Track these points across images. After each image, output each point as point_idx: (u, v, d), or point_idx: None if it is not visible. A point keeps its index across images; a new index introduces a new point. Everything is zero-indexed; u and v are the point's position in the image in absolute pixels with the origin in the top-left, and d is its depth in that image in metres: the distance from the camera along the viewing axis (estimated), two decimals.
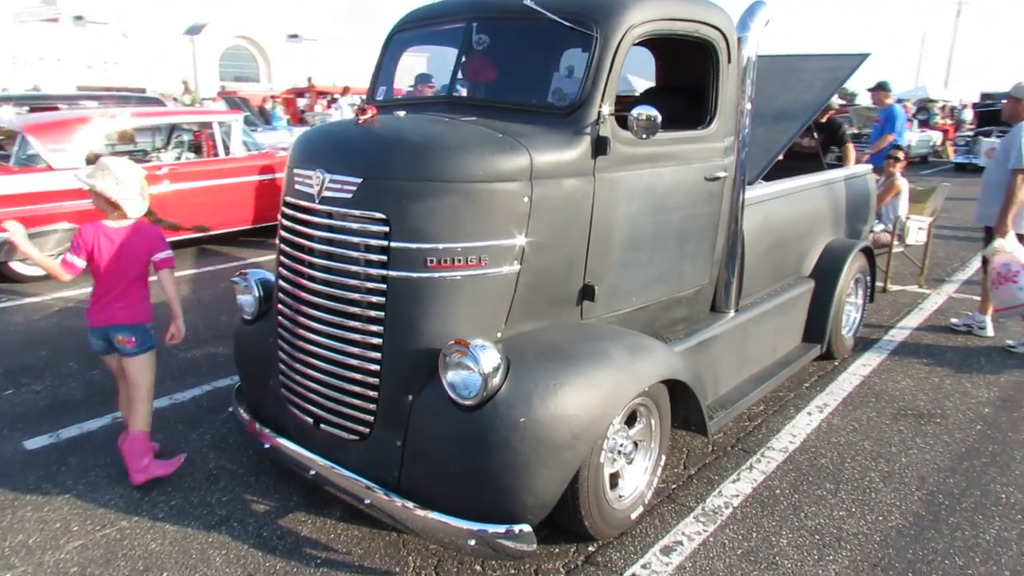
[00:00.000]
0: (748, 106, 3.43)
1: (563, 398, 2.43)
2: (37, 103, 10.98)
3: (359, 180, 2.56)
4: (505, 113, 2.91)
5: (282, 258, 2.94)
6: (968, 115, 24.95)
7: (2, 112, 10.38)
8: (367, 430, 2.68)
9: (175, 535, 2.90)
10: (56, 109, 10.20)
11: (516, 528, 2.41)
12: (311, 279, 2.76)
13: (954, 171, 17.69)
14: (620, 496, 2.85)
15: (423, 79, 4.95)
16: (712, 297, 3.64)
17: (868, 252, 4.88)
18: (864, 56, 5.27)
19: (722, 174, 3.31)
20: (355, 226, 2.59)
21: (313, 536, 2.88)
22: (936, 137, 21.64)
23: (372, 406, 2.65)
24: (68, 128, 6.86)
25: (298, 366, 2.87)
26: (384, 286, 2.56)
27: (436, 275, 2.54)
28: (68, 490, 3.24)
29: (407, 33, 3.45)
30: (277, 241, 3.02)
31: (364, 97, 3.70)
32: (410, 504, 2.51)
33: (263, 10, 57.32)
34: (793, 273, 4.40)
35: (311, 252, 2.76)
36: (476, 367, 2.36)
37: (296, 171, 2.81)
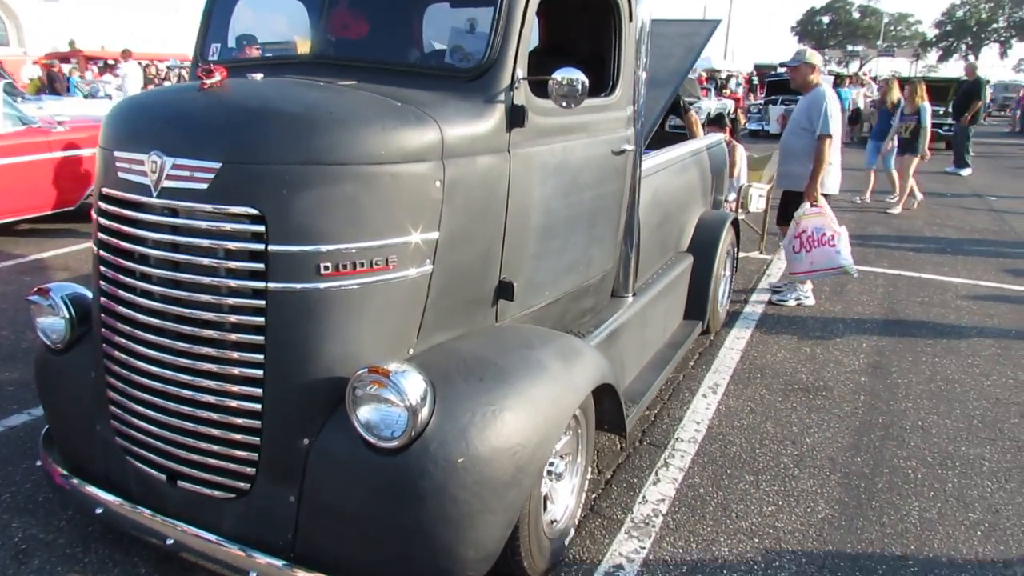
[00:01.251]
0: (643, 74, 3.13)
1: (504, 426, 1.99)
2: None
3: (217, 165, 1.92)
4: (392, 76, 2.37)
5: (103, 269, 2.22)
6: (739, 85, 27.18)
7: None
8: (247, 485, 2.08)
9: None
10: None
11: None
12: (151, 296, 2.08)
13: (749, 137, 19.06)
14: (553, 521, 2.48)
15: (247, 40, 4.18)
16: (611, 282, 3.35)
17: (735, 223, 4.85)
18: (716, 23, 5.22)
19: (628, 147, 2.99)
20: (214, 226, 1.96)
21: None
22: (730, 105, 23.29)
23: (253, 455, 2.05)
24: None
25: (141, 408, 2.18)
26: (262, 303, 1.96)
27: (333, 285, 1.98)
28: None
29: None
30: (94, 247, 2.29)
31: (188, 62, 2.96)
32: (314, 575, 1.97)
33: None
34: (673, 249, 4.24)
35: (147, 261, 2.08)
36: (401, 400, 1.86)
37: (118, 154, 2.10)
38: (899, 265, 6.54)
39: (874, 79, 26.57)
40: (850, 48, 67.86)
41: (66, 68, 19.94)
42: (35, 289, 2.54)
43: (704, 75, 24.69)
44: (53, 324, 2.50)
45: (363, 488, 1.95)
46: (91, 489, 2.36)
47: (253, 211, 1.92)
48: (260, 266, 1.94)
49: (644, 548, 2.60)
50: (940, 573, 2.49)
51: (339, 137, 1.96)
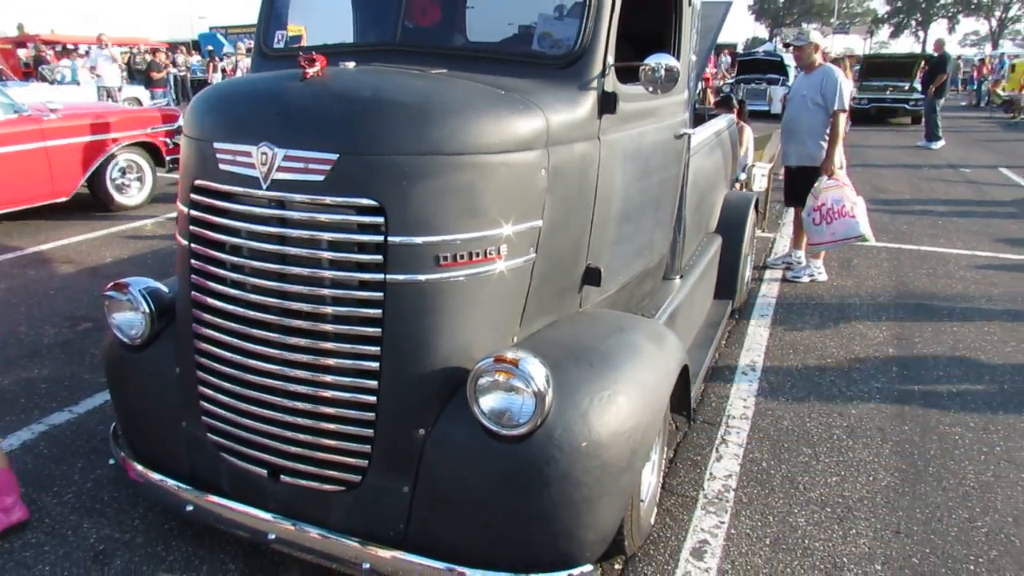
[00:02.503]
0: (693, 57, 3.16)
1: (619, 410, 2.03)
2: None
3: (333, 157, 1.90)
4: (481, 63, 2.36)
5: (196, 263, 2.19)
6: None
7: None
8: (358, 478, 2.08)
9: None
10: None
11: (576, 571, 2.00)
12: (255, 290, 2.06)
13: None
14: (641, 500, 2.53)
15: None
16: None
17: (756, 204, 4.92)
18: (729, 4, 5.25)
19: (686, 130, 3.02)
20: (331, 218, 1.94)
21: None
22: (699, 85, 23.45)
23: (366, 447, 2.05)
24: None
25: (241, 404, 2.16)
26: (380, 295, 1.95)
27: (451, 275, 1.98)
28: None
29: None
30: (182, 240, 2.25)
31: (138, 50, 2.87)
32: (437, 563, 1.99)
33: None
34: (705, 230, 4.30)
35: (252, 254, 2.05)
36: (529, 386, 1.87)
37: (219, 146, 2.05)
38: (897, 239, 6.71)
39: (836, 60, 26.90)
40: (805, 26, 68.62)
41: (21, 53, 19.26)
42: (111, 284, 2.48)
43: None
44: (132, 320, 2.45)
45: (484, 476, 1.97)
46: (180, 486, 2.34)
47: (373, 203, 1.90)
48: (379, 258, 1.93)
49: (724, 523, 2.67)
50: (1009, 533, 2.61)
51: (457, 127, 1.95)
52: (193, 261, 2.20)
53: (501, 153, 2.00)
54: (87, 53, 15.87)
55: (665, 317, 3.08)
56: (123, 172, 7.43)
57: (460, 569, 1.97)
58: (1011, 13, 62.08)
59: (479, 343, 2.05)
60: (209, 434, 2.28)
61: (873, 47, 67.48)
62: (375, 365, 1.99)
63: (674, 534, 2.61)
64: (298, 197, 1.94)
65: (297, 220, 1.97)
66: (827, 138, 5.03)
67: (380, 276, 1.94)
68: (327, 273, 1.97)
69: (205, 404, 2.26)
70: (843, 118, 4.97)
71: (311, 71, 2.04)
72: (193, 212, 2.17)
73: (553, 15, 2.47)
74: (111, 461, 2.68)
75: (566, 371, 2.05)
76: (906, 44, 66.20)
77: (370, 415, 2.03)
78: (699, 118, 5.37)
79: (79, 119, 6.68)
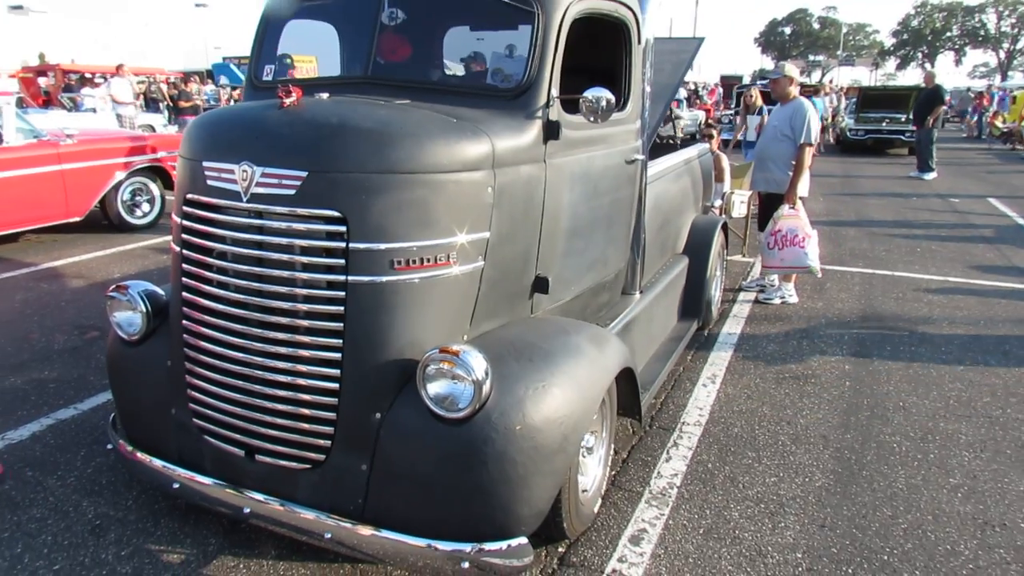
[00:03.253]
0: (648, 88, 3.46)
1: (552, 399, 2.30)
2: None
3: (303, 174, 2.21)
4: (439, 95, 2.67)
5: (187, 267, 2.49)
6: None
7: None
8: (322, 457, 2.36)
9: None
10: None
11: (514, 542, 2.25)
12: (237, 290, 2.36)
13: (722, 146, 19.59)
14: (584, 490, 2.78)
15: (288, 60, 4.42)
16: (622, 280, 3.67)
17: (724, 227, 5.21)
18: (701, 40, 5.59)
19: (638, 156, 3.32)
20: (300, 227, 2.24)
21: None
22: (701, 116, 23.88)
23: (329, 429, 2.33)
24: None
25: (223, 392, 2.45)
26: (342, 294, 2.24)
27: (403, 277, 2.27)
28: None
29: (299, 4, 3.05)
30: (175, 247, 2.56)
31: (154, 79, 3.21)
32: (390, 533, 2.25)
33: None
34: (672, 251, 4.58)
35: (234, 259, 2.35)
36: (469, 375, 2.15)
37: (208, 164, 2.37)
38: (873, 264, 6.96)
39: (841, 90, 27.36)
40: (812, 58, 69.59)
41: (42, 82, 19.98)
42: (113, 286, 2.79)
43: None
44: (130, 318, 2.76)
45: (431, 455, 2.24)
46: (168, 466, 2.62)
47: (336, 213, 2.20)
48: (341, 261, 2.22)
49: (663, 515, 2.91)
50: (927, 529, 2.84)
51: (411, 149, 2.26)
52: (184, 265, 2.50)
53: (451, 172, 2.31)
54: (104, 82, 16.48)
55: (619, 328, 3.35)
56: (133, 194, 7.82)
57: (407, 539, 2.22)
58: (1020, 45, 62.60)
59: (431, 339, 2.33)
60: (194, 419, 2.56)
61: (880, 79, 68.12)
62: (338, 356, 2.28)
63: (616, 523, 2.86)
64: (273, 208, 2.25)
65: (272, 228, 2.27)
66: (788, 168, 5.33)
67: (343, 277, 2.23)
68: (297, 274, 2.26)
69: (191, 392, 2.55)
70: (809, 151, 5.26)
71: (288, 101, 2.35)
72: (185, 222, 2.47)
73: (504, 53, 2.79)
74: (109, 447, 2.96)
75: (507, 364, 2.33)
76: (913, 76, 66.76)
77: (333, 400, 2.31)
78: (670, 147, 5.71)
79: (93, 144, 7.09)
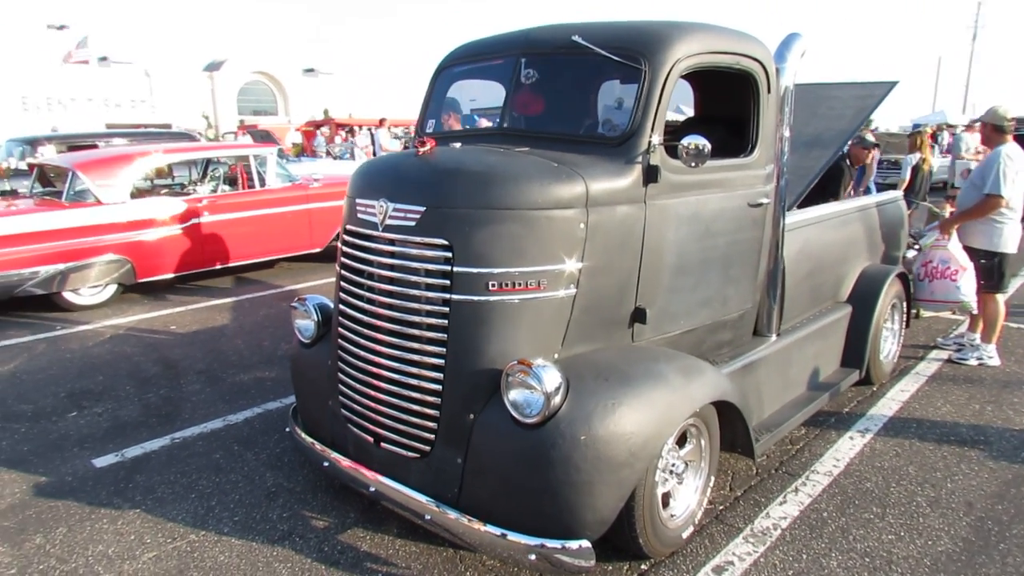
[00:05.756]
0: (787, 134, 3.53)
1: (621, 417, 2.52)
2: (75, 142, 11.34)
3: (422, 209, 2.69)
4: (557, 144, 3.04)
5: (343, 283, 3.07)
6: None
7: (45, 151, 10.77)
8: (428, 448, 2.78)
9: (241, 549, 3.00)
10: (95, 147, 10.53)
11: (575, 544, 2.49)
12: (374, 303, 2.88)
13: None
14: (672, 515, 2.92)
15: (451, 106, 5.07)
16: (755, 321, 3.72)
17: (903, 278, 4.93)
18: (893, 84, 5.36)
19: (765, 200, 3.41)
20: (418, 252, 2.71)
21: (373, 551, 2.97)
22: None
23: (433, 425, 2.75)
24: (116, 164, 7.12)
25: (360, 387, 2.98)
26: (447, 309, 2.67)
27: (497, 298, 2.65)
28: (138, 505, 3.37)
29: (455, 68, 3.61)
30: (337, 267, 3.16)
31: (409, 129, 3.84)
32: (471, 519, 2.60)
33: (279, 46, 58.27)
34: (831, 298, 4.47)
35: (374, 277, 2.88)
36: (539, 386, 2.46)
37: (359, 200, 2.95)
38: None
39: None
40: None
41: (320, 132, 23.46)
42: (296, 298, 3.48)
43: (930, 130, 23.14)
44: (306, 325, 3.42)
45: (509, 454, 2.56)
46: (320, 447, 3.20)
47: (444, 241, 2.65)
48: (446, 282, 2.66)
49: (756, 552, 2.94)
50: None
51: (509, 189, 2.65)
52: (342, 283, 3.09)
53: (543, 209, 2.65)
54: (359, 132, 19.07)
55: (739, 365, 3.42)
56: None
57: (486, 527, 2.55)
58: None
59: (522, 353, 2.67)
60: (342, 409, 3.12)
61: None
62: (442, 362, 2.70)
63: (706, 552, 2.94)
64: (400, 236, 2.75)
65: (399, 253, 2.77)
66: (985, 220, 4.92)
67: (447, 295, 2.66)
68: (415, 292, 2.73)
69: (340, 386, 3.11)
70: (992, 202, 4.83)
71: (422, 150, 2.87)
72: (344, 247, 3.07)
73: (614, 105, 3.09)
74: (286, 429, 3.64)
75: (584, 381, 2.60)
76: None
77: (437, 400, 2.73)
78: (832, 193, 5.52)
79: (335, 187, 8.39)
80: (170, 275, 7.46)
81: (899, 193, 5.74)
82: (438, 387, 2.72)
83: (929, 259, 5.12)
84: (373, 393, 2.92)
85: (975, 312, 5.28)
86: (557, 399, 2.50)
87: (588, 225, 2.73)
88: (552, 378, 2.48)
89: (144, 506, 3.35)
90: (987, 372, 5.06)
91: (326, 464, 3.16)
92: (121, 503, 3.39)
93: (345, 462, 3.06)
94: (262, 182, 8.15)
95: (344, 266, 3.06)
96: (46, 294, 6.67)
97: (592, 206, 2.73)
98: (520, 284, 2.66)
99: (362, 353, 2.95)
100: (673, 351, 3.02)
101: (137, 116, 31.81)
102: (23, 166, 10.78)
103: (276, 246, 8.22)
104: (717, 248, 3.24)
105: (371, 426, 2.96)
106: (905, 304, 5.04)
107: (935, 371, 5.07)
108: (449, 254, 2.65)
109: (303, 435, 3.34)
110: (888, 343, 4.90)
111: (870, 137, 6.92)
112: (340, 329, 3.09)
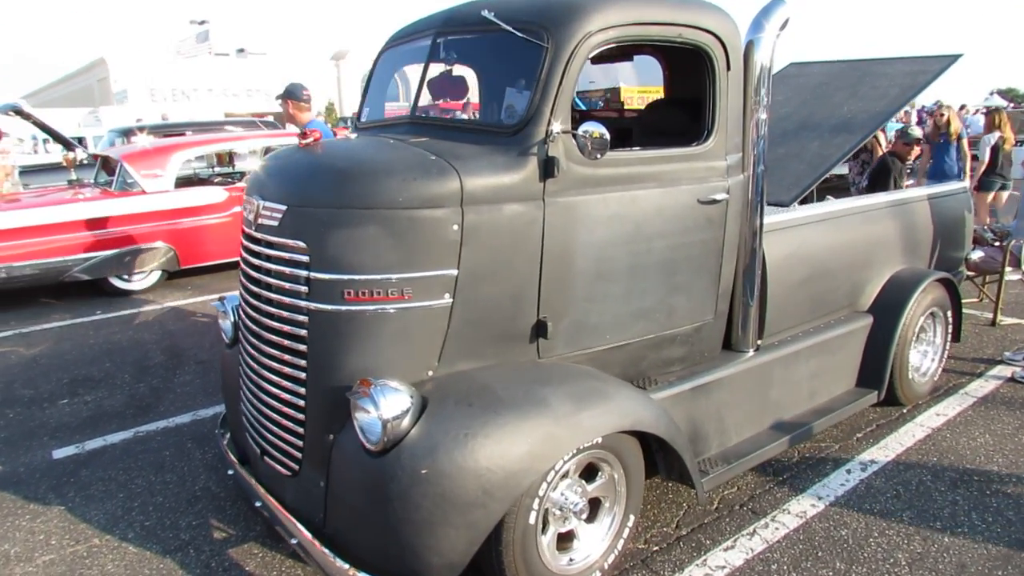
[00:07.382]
0: (763, 117, 3.03)
1: (475, 450, 2.19)
2: (167, 130, 11.89)
3: (283, 207, 2.45)
4: (457, 133, 2.71)
5: (240, 285, 2.89)
6: None
7: (138, 140, 11.35)
8: (296, 467, 2.56)
9: (132, 558, 2.91)
10: (184, 135, 10.98)
11: None
12: (251, 308, 2.68)
13: None
14: (571, 560, 2.55)
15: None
16: (724, 334, 3.24)
17: (948, 283, 4.21)
18: (955, 57, 4.60)
19: (721, 196, 2.92)
20: (277, 254, 2.48)
21: (257, 572, 2.79)
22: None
23: (300, 442, 2.52)
24: (159, 155, 7.33)
25: (248, 396, 2.80)
26: (306, 318, 2.42)
27: (355, 308, 2.37)
28: (67, 502, 3.36)
29: (393, 51, 3.33)
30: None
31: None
32: (327, 552, 2.34)
33: None
34: (844, 308, 3.86)
35: (252, 281, 2.68)
36: (375, 411, 2.17)
37: (246, 197, 2.75)
38: None
39: None
40: None
41: None
42: (217, 297, 3.34)
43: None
44: (225, 325, 3.27)
45: (357, 481, 2.30)
46: (229, 455, 3.05)
47: (302, 244, 2.39)
48: (305, 288, 2.41)
49: None
50: None
51: (366, 186, 2.36)
52: (240, 284, 2.91)
53: (406, 209, 2.34)
54: None
55: (689, 387, 2.98)
56: None
57: (336, 561, 2.29)
58: None
59: (386, 369, 2.38)
60: (242, 417, 2.95)
61: None
62: (304, 375, 2.46)
63: None
64: (264, 236, 2.52)
65: (264, 254, 2.55)
66: None
67: (306, 303, 2.41)
68: (279, 297, 2.50)
69: (240, 394, 2.94)
70: None
71: (304, 143, 2.63)
72: (241, 248, 2.88)
73: (518, 89, 2.70)
74: (217, 431, 3.53)
75: (443, 406, 2.29)
76: None
77: (301, 415, 2.50)
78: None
79: None
80: (213, 262, 7.64)
81: (963, 184, 4.94)
82: (302, 403, 2.49)
83: None
84: (256, 403, 2.73)
85: None
86: (404, 424, 2.20)
87: (464, 226, 2.39)
88: (392, 402, 2.19)
89: (70, 504, 3.34)
90: None
91: (231, 472, 3.01)
92: (52, 499, 3.39)
93: (242, 471, 2.89)
94: None
95: (240, 266, 2.88)
96: (93, 280, 6.97)
97: (469, 204, 2.39)
98: (379, 292, 2.37)
99: (248, 361, 2.76)
100: (577, 371, 2.63)
101: (254, 105, 33.36)
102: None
103: None
104: (653, 252, 2.80)
105: (257, 437, 2.78)
106: (951, 313, 4.31)
107: (989, 392, 4.32)
108: (306, 258, 2.39)
109: (223, 440, 3.21)
110: (926, 359, 4.21)
111: (915, 131, 6.02)
112: (240, 333, 2.92)
